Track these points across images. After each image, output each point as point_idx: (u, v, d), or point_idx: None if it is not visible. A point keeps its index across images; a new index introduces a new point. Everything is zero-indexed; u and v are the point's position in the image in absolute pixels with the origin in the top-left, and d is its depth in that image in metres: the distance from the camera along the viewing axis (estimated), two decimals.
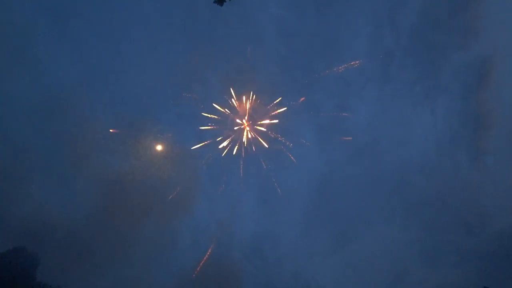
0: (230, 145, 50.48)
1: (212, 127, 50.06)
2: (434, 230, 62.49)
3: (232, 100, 49.84)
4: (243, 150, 51.01)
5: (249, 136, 50.85)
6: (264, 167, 52.23)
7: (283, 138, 51.92)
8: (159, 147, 54.99)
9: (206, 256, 53.07)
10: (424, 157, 64.70)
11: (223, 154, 50.69)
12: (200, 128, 50.31)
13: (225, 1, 16.10)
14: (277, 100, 50.37)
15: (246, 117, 50.71)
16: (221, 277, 54.26)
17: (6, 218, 43.06)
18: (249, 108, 50.62)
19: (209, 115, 50.06)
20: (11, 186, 45.41)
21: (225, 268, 55.39)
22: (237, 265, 57.97)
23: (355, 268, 63.90)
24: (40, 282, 41.88)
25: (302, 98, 52.74)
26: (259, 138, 50.54)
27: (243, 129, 51.21)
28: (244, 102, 50.06)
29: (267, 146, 50.64)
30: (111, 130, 50.66)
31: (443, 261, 61.61)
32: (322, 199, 66.58)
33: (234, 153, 50.72)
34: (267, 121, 50.48)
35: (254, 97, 50.04)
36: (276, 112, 50.38)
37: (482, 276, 55.00)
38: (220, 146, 50.31)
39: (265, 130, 50.65)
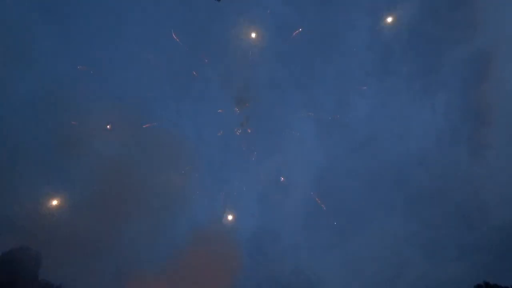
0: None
1: None
2: (434, 224, 62.88)
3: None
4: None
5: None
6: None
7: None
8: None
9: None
10: (424, 151, 64.85)
11: None
12: None
13: None
14: None
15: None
16: (220, 271, 54.42)
17: (10, 217, 43.01)
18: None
19: None
20: (12, 184, 45.18)
21: (223, 262, 55.54)
22: (236, 259, 58.14)
23: (355, 262, 64.37)
24: (42, 281, 42.07)
25: None
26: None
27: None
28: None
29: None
30: (108, 127, 50.16)
31: (444, 255, 62.06)
32: (322, 194, 66.80)
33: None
34: None
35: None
36: None
37: (482, 270, 55.62)
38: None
39: None
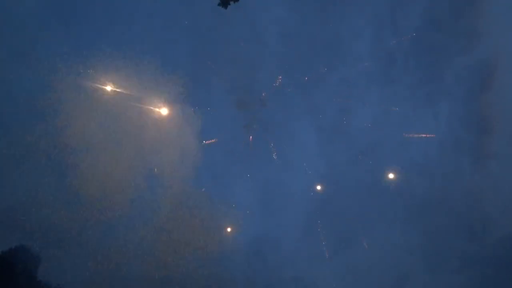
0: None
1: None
2: (436, 234, 62.13)
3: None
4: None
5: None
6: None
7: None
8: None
9: None
10: (426, 160, 64.44)
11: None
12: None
13: (229, 4, 16.07)
14: None
15: None
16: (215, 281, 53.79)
17: (8, 215, 43.23)
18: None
19: None
20: (12, 182, 45.46)
21: (220, 273, 54.97)
22: (235, 268, 57.58)
23: (356, 272, 63.57)
24: (41, 281, 42.07)
25: None
26: None
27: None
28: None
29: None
30: None
31: (445, 266, 61.22)
32: (323, 202, 66.40)
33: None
34: None
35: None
36: None
37: (485, 283, 54.71)
38: None
39: None
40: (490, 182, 60.72)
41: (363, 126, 65.62)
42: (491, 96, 59.77)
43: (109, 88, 51.46)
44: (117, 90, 51.88)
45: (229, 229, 58.20)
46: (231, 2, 15.90)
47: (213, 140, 49.73)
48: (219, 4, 16.22)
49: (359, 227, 65.13)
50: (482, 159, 61.39)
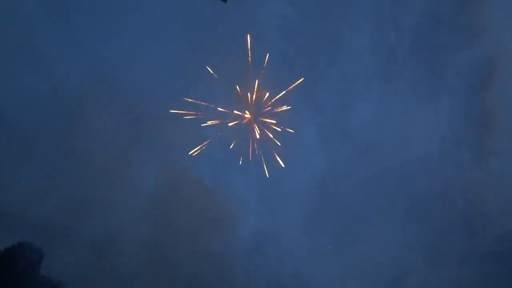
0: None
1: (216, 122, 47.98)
2: (436, 230, 62.25)
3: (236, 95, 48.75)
4: (251, 146, 50.08)
5: (257, 131, 49.15)
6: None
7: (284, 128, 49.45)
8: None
9: None
10: (427, 157, 64.36)
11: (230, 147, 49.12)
12: (202, 125, 48.96)
13: None
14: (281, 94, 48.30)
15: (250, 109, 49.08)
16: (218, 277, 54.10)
17: (11, 212, 43.55)
18: (254, 100, 48.93)
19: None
20: (14, 180, 45.75)
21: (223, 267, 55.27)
22: (236, 263, 57.88)
23: (356, 268, 63.76)
24: (43, 277, 42.39)
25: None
26: (267, 132, 48.59)
27: (250, 123, 50.21)
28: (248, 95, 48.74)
29: (279, 144, 48.60)
30: None
31: (445, 262, 61.31)
32: (323, 198, 66.47)
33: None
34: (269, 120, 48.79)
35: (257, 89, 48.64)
36: (279, 109, 48.88)
37: (485, 279, 54.74)
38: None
39: (274, 122, 48.28)
40: (490, 179, 60.75)
41: (364, 123, 65.65)
42: (492, 93, 59.66)
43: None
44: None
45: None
46: None
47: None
48: None
49: (359, 223, 65.39)
50: (483, 156, 61.38)
